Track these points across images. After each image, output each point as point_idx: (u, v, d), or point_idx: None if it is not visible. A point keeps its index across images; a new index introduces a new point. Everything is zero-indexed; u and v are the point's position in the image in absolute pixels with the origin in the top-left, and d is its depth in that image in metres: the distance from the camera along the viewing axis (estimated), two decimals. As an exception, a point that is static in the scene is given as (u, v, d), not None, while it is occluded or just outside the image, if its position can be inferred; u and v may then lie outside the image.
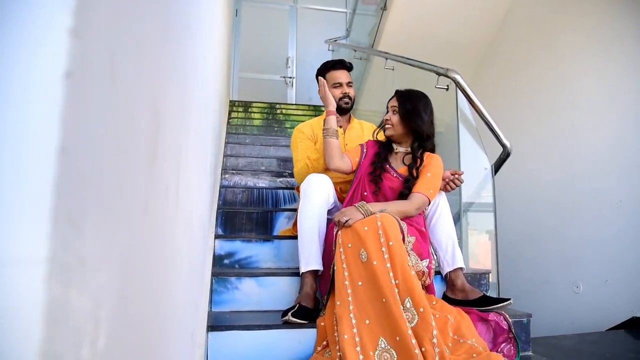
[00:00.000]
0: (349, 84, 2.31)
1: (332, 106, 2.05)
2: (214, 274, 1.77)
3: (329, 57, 4.21)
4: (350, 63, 2.37)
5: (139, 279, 0.46)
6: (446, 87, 2.54)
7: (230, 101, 4.74)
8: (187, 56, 0.86)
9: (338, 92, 2.27)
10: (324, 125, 2.02)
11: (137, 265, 0.45)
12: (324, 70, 2.32)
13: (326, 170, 2.16)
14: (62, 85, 0.25)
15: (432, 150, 1.95)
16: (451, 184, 1.98)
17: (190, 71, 0.91)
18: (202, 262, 1.44)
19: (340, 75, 2.30)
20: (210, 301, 1.75)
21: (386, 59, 3.35)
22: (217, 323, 1.53)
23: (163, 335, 0.67)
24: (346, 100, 2.29)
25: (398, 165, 1.93)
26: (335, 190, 1.99)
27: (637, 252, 2.68)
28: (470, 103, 2.39)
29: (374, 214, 1.60)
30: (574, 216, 3.15)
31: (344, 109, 2.30)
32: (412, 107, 1.89)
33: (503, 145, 2.41)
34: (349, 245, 1.54)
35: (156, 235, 0.55)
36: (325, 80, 2.16)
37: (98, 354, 0.31)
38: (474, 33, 4.26)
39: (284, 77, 6.28)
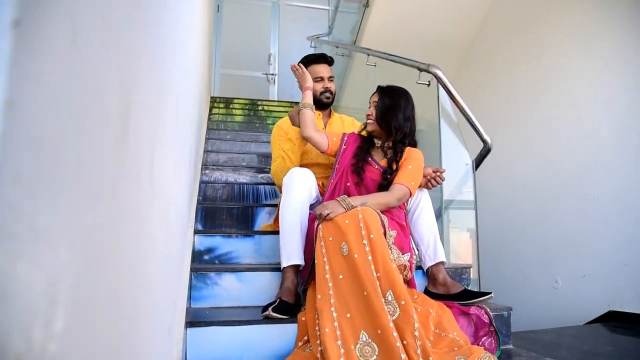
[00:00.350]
0: (330, 79, 2.29)
1: (309, 83, 2.11)
2: (193, 270, 1.73)
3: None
4: (331, 57, 2.35)
5: (107, 262, 0.44)
6: (427, 83, 2.55)
7: (212, 97, 4.68)
8: (163, 40, 0.83)
9: (319, 87, 2.25)
10: (301, 101, 2.07)
11: (104, 248, 0.43)
12: (306, 63, 2.29)
13: (307, 165, 2.14)
14: (9, 34, 0.23)
15: (414, 146, 1.95)
16: (432, 182, 1.97)
17: (167, 56, 0.88)
18: (180, 256, 1.41)
19: (322, 70, 2.28)
20: (190, 297, 1.72)
21: (368, 54, 3.34)
22: (196, 319, 1.49)
23: (137, 327, 0.64)
24: (327, 95, 2.27)
25: (380, 158, 1.92)
26: (318, 185, 1.97)
27: (614, 247, 2.73)
28: (452, 98, 2.39)
29: (355, 207, 1.58)
30: (553, 212, 3.19)
31: (325, 104, 2.28)
32: (392, 102, 1.89)
33: (484, 140, 2.42)
34: (330, 238, 1.52)
35: (127, 220, 0.53)
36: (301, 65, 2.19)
37: (55, 337, 0.28)
38: (456, 31, 4.28)
39: (266, 74, 6.23)
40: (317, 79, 2.25)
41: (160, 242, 0.89)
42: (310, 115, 1.99)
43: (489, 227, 3.27)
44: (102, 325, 0.42)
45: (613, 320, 2.69)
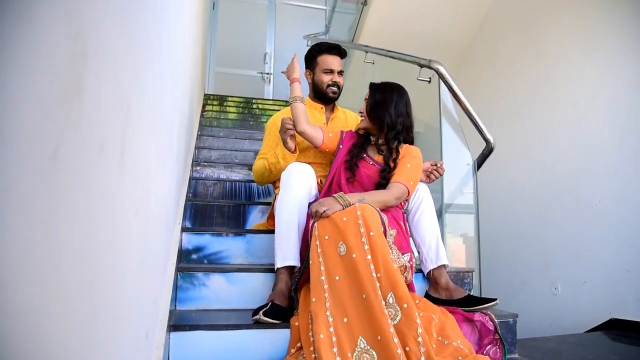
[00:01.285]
0: (340, 73, 2.14)
1: (297, 74, 1.93)
2: (179, 269, 1.62)
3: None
4: (344, 49, 2.18)
5: (41, 243, 0.33)
6: (428, 80, 2.46)
7: (205, 95, 4.58)
8: (144, 15, 0.73)
9: (327, 79, 2.10)
10: (290, 95, 1.91)
11: (37, 222, 0.32)
12: (317, 52, 2.13)
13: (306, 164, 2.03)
14: None
15: (411, 143, 1.86)
16: (435, 173, 1.89)
17: (148, 24, 0.78)
18: (164, 253, 1.30)
19: (333, 62, 2.11)
20: (175, 299, 1.61)
21: (366, 52, 3.25)
22: (180, 322, 1.39)
23: (96, 330, 0.53)
24: (334, 89, 2.12)
25: (375, 154, 1.84)
26: (317, 182, 1.86)
27: (615, 253, 2.64)
28: (453, 95, 2.30)
29: (353, 204, 1.48)
30: (553, 216, 3.10)
31: (330, 98, 2.14)
32: (383, 97, 1.80)
33: (486, 140, 2.33)
34: (326, 237, 1.42)
35: (79, 196, 0.42)
36: (296, 55, 2.02)
37: None
38: (455, 31, 4.21)
39: (261, 73, 6.13)
40: (326, 71, 2.10)
41: (135, 235, 0.79)
42: (302, 108, 1.84)
43: (487, 230, 3.17)
44: (24, 327, 0.31)
45: (615, 328, 2.60)
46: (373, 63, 3.27)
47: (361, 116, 1.87)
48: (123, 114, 0.60)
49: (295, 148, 1.94)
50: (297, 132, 1.86)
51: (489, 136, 2.32)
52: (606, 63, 2.87)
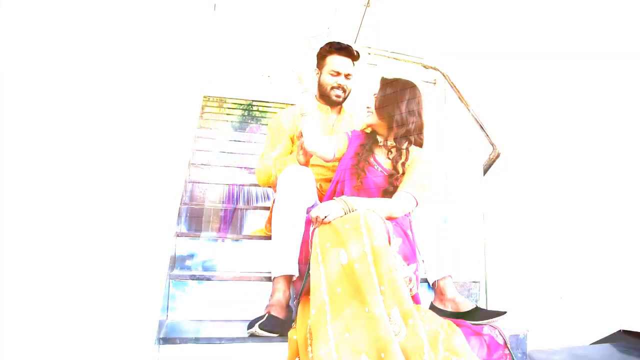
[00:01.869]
0: (347, 76, 2.00)
1: (307, 82, 1.72)
2: (171, 277, 1.54)
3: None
4: (357, 51, 2.03)
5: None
6: (433, 82, 2.39)
7: (205, 96, 4.51)
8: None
9: (332, 81, 1.98)
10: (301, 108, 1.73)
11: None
12: (327, 52, 2.00)
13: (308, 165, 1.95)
14: None
15: (421, 145, 1.77)
16: None
17: None
18: (155, 259, 1.22)
19: (342, 64, 1.97)
20: (167, 308, 1.53)
21: (369, 53, 3.17)
22: (170, 334, 1.31)
23: (61, 346, 0.45)
24: (338, 92, 2.00)
25: (383, 158, 1.74)
26: (316, 187, 1.76)
27: (624, 260, 2.56)
28: (460, 98, 2.23)
29: (356, 210, 1.40)
30: (558, 219, 3.02)
31: (333, 102, 2.03)
32: (394, 93, 1.71)
33: (493, 144, 2.26)
34: (327, 245, 1.33)
35: (25, 189, 0.34)
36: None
37: None
38: (456, 32, 4.14)
39: (262, 75, 6.07)
40: (333, 73, 1.98)
41: (120, 238, 0.71)
42: (313, 125, 1.66)
43: (491, 238, 3.10)
44: None
45: (623, 340, 2.52)
46: (376, 65, 3.20)
47: (368, 111, 1.75)
48: (97, 96, 0.52)
49: (307, 162, 1.81)
50: (308, 150, 1.71)
51: (494, 141, 2.24)
52: (612, 65, 2.80)
